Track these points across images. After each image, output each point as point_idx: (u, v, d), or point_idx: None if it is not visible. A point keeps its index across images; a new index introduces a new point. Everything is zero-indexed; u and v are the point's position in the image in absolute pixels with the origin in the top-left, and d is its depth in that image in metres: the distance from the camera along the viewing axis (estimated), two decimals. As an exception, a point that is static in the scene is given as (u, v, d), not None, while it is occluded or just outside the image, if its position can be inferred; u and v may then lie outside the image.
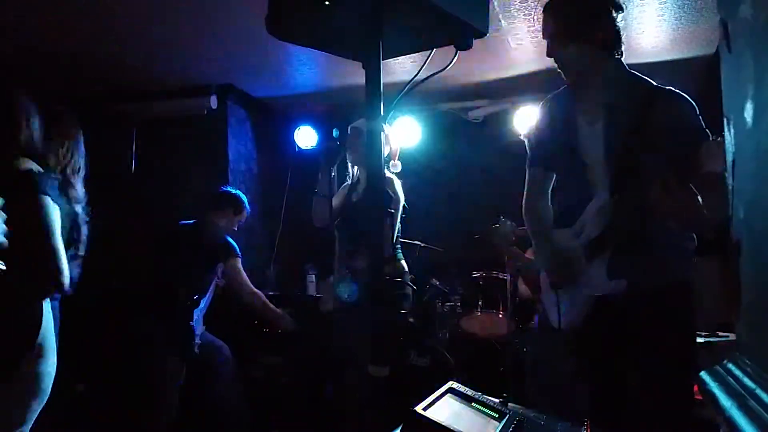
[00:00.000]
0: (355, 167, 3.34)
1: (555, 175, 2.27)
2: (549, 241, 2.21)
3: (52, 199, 1.85)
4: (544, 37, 2.08)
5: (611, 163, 1.99)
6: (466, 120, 5.01)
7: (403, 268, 3.32)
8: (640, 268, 1.95)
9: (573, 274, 2.09)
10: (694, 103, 1.95)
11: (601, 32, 1.99)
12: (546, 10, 2.06)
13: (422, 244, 4.25)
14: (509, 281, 3.74)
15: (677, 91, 1.98)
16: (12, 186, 1.76)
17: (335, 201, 3.24)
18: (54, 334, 1.93)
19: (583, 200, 2.08)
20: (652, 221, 1.87)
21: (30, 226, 1.77)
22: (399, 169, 3.24)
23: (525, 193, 2.33)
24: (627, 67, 2.06)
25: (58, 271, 1.80)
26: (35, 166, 1.87)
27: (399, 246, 3.33)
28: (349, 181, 3.38)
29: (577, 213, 2.11)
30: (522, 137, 3.25)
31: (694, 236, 2.06)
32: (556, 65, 2.09)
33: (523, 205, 2.33)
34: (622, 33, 2.03)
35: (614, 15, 2.00)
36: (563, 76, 2.11)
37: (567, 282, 2.12)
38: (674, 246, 2.01)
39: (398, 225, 3.27)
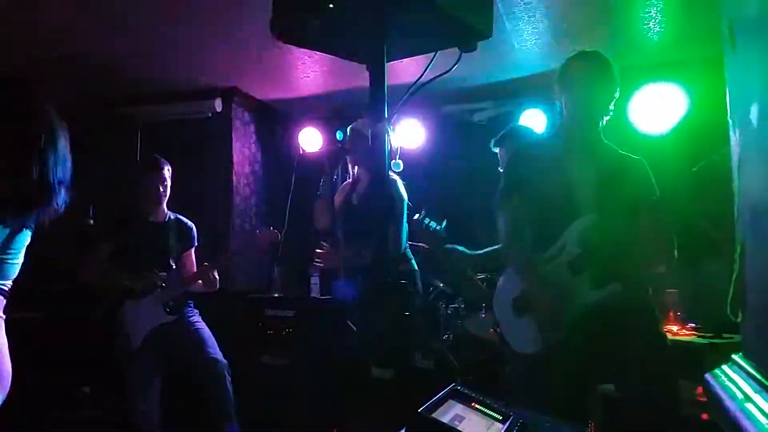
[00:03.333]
0: (355, 168, 3.35)
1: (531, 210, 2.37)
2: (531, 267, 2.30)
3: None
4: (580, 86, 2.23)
5: (601, 191, 2.21)
6: (471, 122, 5.00)
7: (413, 267, 3.33)
8: (620, 278, 2.14)
9: (556, 293, 2.19)
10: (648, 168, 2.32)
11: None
12: (599, 70, 2.23)
13: (426, 246, 4.24)
14: None
15: (641, 159, 2.33)
16: None
17: (335, 200, 3.26)
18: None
19: (562, 228, 2.24)
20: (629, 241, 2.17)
21: None
22: (401, 167, 3.25)
23: (508, 230, 2.40)
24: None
25: None
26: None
27: (407, 246, 3.34)
28: (349, 180, 3.38)
29: (554, 239, 2.25)
30: (500, 166, 3.28)
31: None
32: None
33: (505, 241, 2.44)
34: None
35: None
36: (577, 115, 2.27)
37: (548, 302, 2.19)
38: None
39: (406, 225, 3.27)
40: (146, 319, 3.28)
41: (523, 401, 2.31)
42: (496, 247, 3.03)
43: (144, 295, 3.30)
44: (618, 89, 2.24)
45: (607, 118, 2.27)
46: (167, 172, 3.48)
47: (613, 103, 2.25)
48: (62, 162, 1.77)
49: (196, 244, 3.66)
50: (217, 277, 3.47)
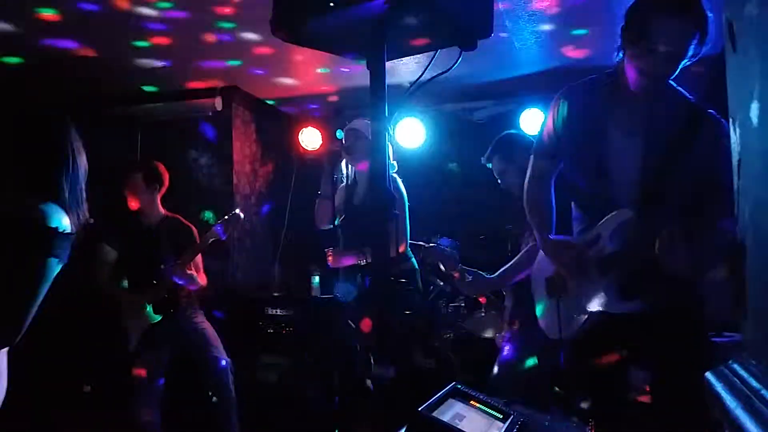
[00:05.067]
0: (350, 168, 3.34)
1: (569, 174, 2.11)
2: (549, 239, 2.11)
3: (59, 261, 1.67)
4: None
5: (642, 182, 1.87)
6: (470, 121, 5.00)
7: (414, 266, 3.33)
8: (653, 290, 1.86)
9: (581, 279, 2.01)
10: (725, 129, 1.81)
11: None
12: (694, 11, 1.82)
13: (426, 245, 4.24)
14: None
15: (721, 119, 1.83)
16: (23, 238, 1.60)
17: (335, 201, 3.27)
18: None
19: (599, 212, 1.96)
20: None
21: (19, 285, 1.61)
22: (396, 168, 3.25)
23: (527, 183, 2.20)
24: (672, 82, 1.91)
25: (17, 332, 1.63)
26: (58, 220, 1.66)
27: (408, 245, 3.34)
28: (345, 182, 3.38)
29: (589, 223, 2.03)
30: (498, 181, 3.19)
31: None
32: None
33: (526, 191, 2.20)
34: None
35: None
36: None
37: (570, 285, 2.06)
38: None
39: (407, 224, 3.28)
40: (140, 318, 3.28)
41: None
42: (508, 266, 2.98)
43: (137, 295, 3.31)
44: (705, 36, 1.80)
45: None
46: (157, 173, 3.48)
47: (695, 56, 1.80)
48: (83, 182, 1.86)
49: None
50: (193, 272, 3.37)
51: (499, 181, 3.15)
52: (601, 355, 2.01)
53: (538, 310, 2.28)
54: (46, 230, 1.61)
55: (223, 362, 3.39)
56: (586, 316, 2.01)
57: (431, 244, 3.18)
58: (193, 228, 3.61)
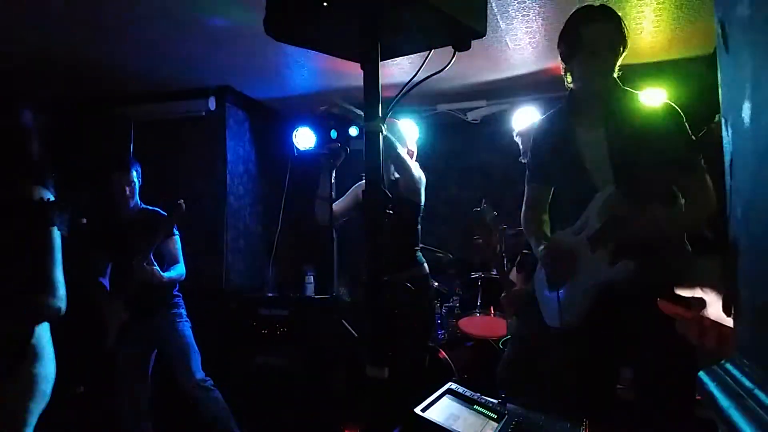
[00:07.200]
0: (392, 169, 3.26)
1: (554, 187, 2.37)
2: (547, 240, 2.27)
3: (59, 228, 1.93)
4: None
5: (613, 161, 2.09)
6: (464, 121, 5.01)
7: (425, 270, 3.33)
8: (643, 255, 1.99)
9: (574, 271, 2.12)
10: (681, 113, 2.10)
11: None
12: (610, 22, 2.13)
13: (420, 245, 4.24)
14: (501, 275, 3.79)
15: (669, 103, 2.15)
16: (25, 217, 1.85)
17: (348, 199, 3.27)
18: (49, 337, 1.99)
19: (584, 202, 2.15)
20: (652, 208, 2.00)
21: (38, 259, 1.88)
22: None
23: (523, 206, 2.44)
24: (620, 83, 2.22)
25: (56, 299, 1.92)
26: (46, 194, 1.92)
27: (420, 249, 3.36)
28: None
29: (578, 215, 2.18)
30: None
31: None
32: (553, 67, 2.19)
33: (522, 218, 2.44)
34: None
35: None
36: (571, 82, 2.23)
37: (567, 279, 2.14)
38: (673, 242, 2.13)
39: (419, 227, 3.32)
40: (114, 315, 3.27)
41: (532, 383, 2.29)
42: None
43: (113, 288, 3.30)
44: (627, 38, 2.12)
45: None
46: (133, 173, 3.44)
47: (623, 53, 2.13)
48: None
49: (176, 233, 3.48)
50: (148, 267, 3.20)
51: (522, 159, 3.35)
52: (598, 341, 2.11)
53: (542, 306, 2.33)
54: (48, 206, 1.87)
55: (202, 385, 3.34)
56: (587, 300, 2.09)
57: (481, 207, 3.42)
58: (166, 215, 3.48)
